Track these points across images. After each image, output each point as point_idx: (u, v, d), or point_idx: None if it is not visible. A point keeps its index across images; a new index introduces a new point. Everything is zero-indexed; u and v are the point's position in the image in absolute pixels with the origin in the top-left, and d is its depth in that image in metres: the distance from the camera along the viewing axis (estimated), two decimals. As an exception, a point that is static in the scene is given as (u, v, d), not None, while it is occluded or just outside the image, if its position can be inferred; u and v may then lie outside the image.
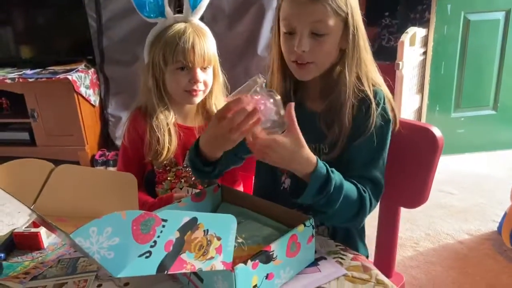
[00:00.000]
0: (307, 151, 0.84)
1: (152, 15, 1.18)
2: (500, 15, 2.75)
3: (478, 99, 2.94)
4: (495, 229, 2.10)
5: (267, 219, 0.91)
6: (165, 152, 1.18)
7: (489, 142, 2.99)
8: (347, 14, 0.92)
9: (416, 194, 1.07)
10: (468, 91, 2.89)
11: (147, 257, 0.59)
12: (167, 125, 1.20)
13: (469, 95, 2.91)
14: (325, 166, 0.86)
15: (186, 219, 0.62)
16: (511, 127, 2.98)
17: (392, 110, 1.00)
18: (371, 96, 0.96)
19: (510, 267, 1.83)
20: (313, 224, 0.82)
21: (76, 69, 2.84)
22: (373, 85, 0.99)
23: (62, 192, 0.79)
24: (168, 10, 1.17)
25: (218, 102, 1.28)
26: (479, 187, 2.54)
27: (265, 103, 0.79)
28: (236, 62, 2.85)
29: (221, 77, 1.27)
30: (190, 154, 0.99)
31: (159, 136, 1.18)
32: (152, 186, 1.25)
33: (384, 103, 0.99)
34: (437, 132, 1.03)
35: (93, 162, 2.91)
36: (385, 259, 1.17)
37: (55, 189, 0.79)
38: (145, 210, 0.60)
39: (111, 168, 2.84)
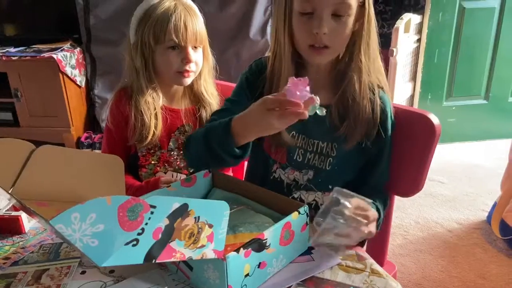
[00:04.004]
0: None
1: (138, -9, 1.13)
2: (495, 3, 2.73)
3: (470, 89, 2.94)
4: (485, 218, 2.11)
5: (260, 206, 0.88)
6: (150, 136, 1.14)
7: (480, 131, 3.00)
8: None
9: (412, 183, 1.05)
10: (461, 80, 2.89)
11: (134, 245, 0.56)
12: (155, 109, 1.16)
13: (461, 84, 2.90)
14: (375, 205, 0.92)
15: (176, 205, 0.59)
16: (502, 117, 2.99)
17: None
18: (377, 94, 0.96)
19: (499, 256, 1.84)
20: (307, 211, 0.80)
21: (62, 48, 2.76)
22: (378, 86, 0.98)
23: (43, 175, 0.75)
24: (155, -14, 1.12)
25: (207, 84, 1.23)
26: (469, 176, 2.55)
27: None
28: (227, 45, 2.80)
29: (210, 58, 1.22)
30: (220, 137, 0.88)
31: (145, 119, 1.13)
32: (134, 170, 1.21)
33: (389, 106, 1.00)
34: (434, 119, 1.01)
35: (78, 145, 2.85)
36: (377, 248, 1.15)
37: (35, 171, 0.75)
38: (130, 194, 0.57)
39: (97, 151, 2.78)
